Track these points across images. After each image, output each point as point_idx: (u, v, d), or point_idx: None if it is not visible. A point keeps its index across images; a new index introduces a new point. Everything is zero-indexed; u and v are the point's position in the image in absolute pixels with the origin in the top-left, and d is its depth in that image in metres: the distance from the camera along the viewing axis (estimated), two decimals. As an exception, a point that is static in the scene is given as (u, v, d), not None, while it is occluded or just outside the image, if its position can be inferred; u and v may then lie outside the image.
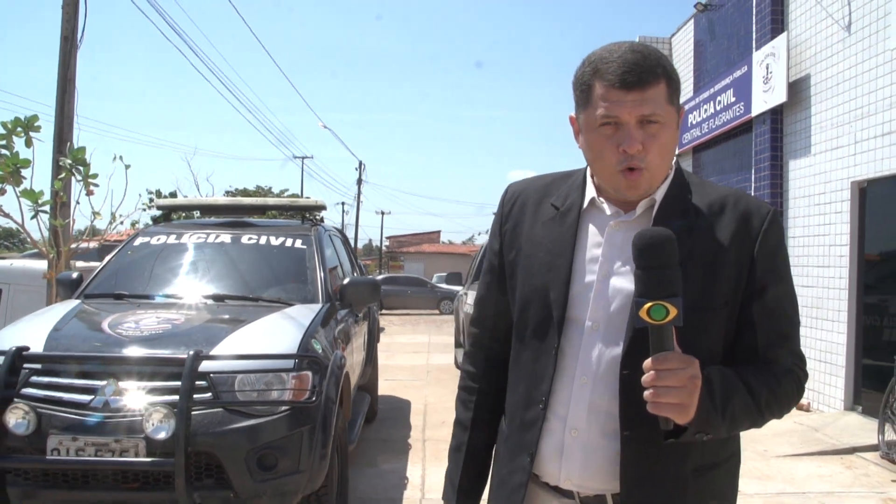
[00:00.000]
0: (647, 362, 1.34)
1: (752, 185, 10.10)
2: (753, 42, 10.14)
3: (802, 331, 1.77)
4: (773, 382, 1.49)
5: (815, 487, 5.65)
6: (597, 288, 1.55)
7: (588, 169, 1.67)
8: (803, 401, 8.52)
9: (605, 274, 1.55)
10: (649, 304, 1.31)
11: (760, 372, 1.50)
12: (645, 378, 1.34)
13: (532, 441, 1.59)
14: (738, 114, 10.56)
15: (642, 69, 1.46)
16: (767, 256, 1.54)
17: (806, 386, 1.59)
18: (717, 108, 11.33)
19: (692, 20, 12.94)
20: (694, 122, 12.38)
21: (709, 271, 1.50)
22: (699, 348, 1.41)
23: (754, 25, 10.13)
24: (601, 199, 1.61)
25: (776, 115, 9.51)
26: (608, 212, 1.60)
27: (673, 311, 1.30)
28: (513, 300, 1.68)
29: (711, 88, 11.58)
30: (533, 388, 1.59)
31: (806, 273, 8.79)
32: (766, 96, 9.57)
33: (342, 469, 4.52)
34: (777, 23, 9.53)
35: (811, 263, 8.74)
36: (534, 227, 1.66)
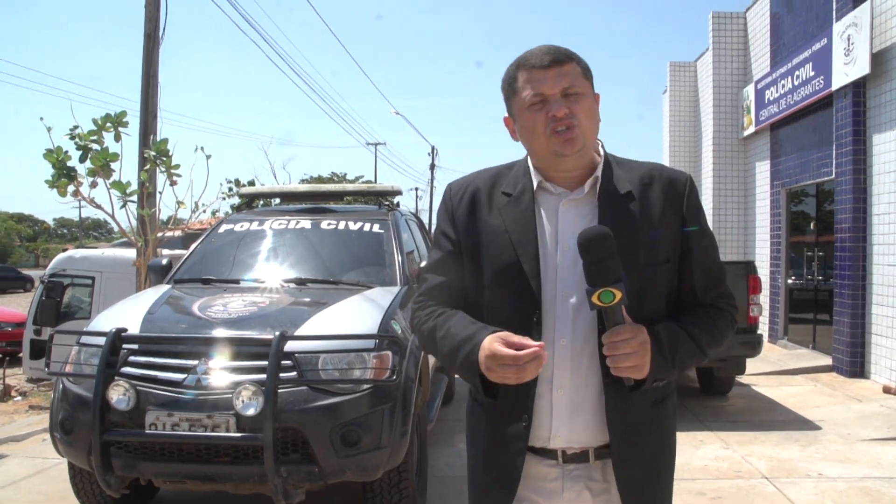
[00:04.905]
0: (605, 337, 1.60)
1: (833, 161, 9.79)
2: (833, 13, 9.80)
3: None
4: (710, 324, 1.77)
5: (903, 470, 5.51)
6: (562, 261, 1.75)
7: (528, 158, 1.87)
8: (890, 383, 8.27)
9: (566, 247, 1.75)
10: (599, 291, 1.57)
11: (699, 317, 1.77)
12: (605, 350, 1.61)
13: (526, 406, 1.74)
14: (817, 88, 10.25)
15: (556, 51, 1.74)
16: (693, 214, 1.81)
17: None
18: (796, 83, 11.01)
19: (769, -7, 12.57)
20: (771, 99, 12.05)
21: (651, 232, 1.74)
22: (651, 298, 1.73)
23: (835, -4, 9.78)
24: (548, 182, 1.81)
25: (858, 89, 9.19)
26: (556, 192, 1.81)
27: (619, 295, 1.56)
28: (476, 281, 1.82)
29: (789, 63, 11.25)
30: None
31: (892, 252, 8.51)
32: (848, 69, 9.25)
33: (421, 447, 4.63)
34: (859, -8, 9.19)
35: (897, 241, 8.45)
36: (491, 215, 1.82)
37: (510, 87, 1.79)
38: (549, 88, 1.71)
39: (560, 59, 1.72)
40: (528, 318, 1.72)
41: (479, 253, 1.81)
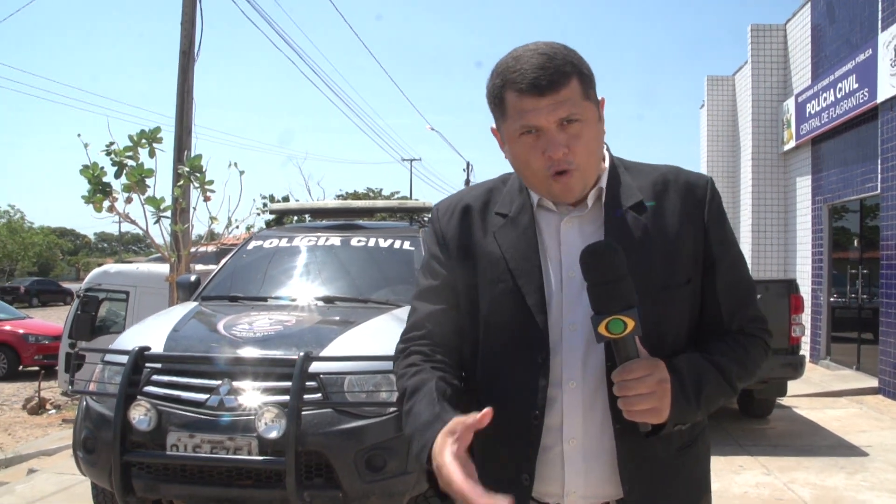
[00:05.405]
0: (615, 374, 1.35)
1: (879, 175, 9.51)
2: (879, 23, 9.54)
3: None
4: (742, 353, 1.51)
5: (956, 500, 5.24)
6: (567, 290, 1.49)
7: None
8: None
9: (572, 274, 1.48)
10: (607, 320, 1.31)
11: (728, 346, 1.50)
12: (615, 390, 1.35)
13: (527, 462, 1.48)
14: (861, 101, 9.98)
15: (551, 71, 1.40)
16: (716, 223, 1.54)
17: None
18: (838, 95, 10.74)
19: (808, 4, 12.32)
20: (812, 112, 11.77)
21: (669, 248, 1.49)
22: (668, 327, 1.47)
23: (880, 4, 9.52)
24: (547, 200, 1.54)
25: (905, 101, 8.93)
26: (557, 210, 1.54)
27: (631, 324, 1.30)
28: (472, 314, 1.57)
29: (831, 75, 10.99)
30: (522, 402, 1.48)
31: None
32: (894, 80, 8.99)
33: (450, 470, 4.51)
34: (905, 2, 8.94)
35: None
36: (486, 238, 1.57)
37: (497, 107, 1.49)
38: (544, 121, 1.41)
39: (556, 81, 1.39)
40: (532, 360, 1.47)
41: (473, 282, 1.55)
